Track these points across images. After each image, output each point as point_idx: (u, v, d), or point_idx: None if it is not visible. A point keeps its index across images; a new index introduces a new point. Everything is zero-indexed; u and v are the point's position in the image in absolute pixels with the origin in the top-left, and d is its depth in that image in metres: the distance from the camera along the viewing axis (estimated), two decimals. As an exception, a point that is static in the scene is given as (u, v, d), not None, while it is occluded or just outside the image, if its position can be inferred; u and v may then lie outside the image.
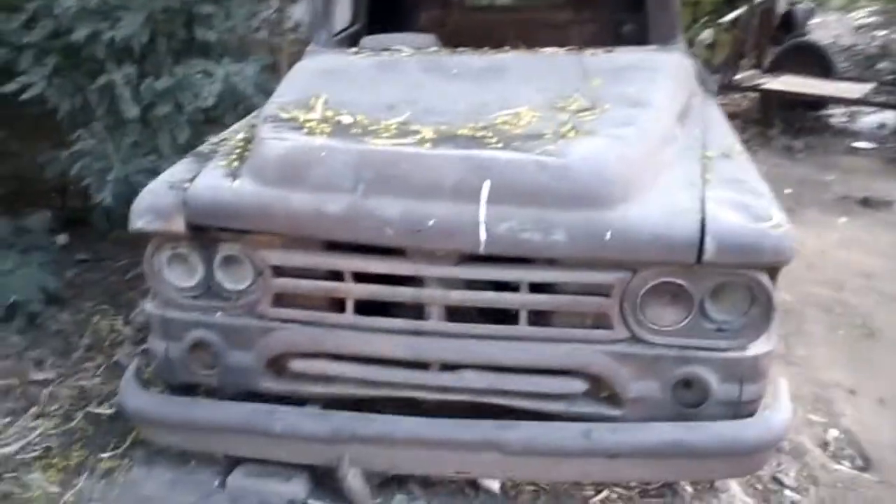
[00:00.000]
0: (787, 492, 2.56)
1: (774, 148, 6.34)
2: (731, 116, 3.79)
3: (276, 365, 2.34)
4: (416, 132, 2.32)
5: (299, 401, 2.37)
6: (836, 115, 7.30)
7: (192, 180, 2.31)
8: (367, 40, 3.37)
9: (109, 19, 3.38)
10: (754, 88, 6.85)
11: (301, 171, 2.17)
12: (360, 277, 2.20)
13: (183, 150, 3.72)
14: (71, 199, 4.46)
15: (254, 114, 3.10)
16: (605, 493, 2.47)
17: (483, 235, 2.03)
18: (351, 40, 3.54)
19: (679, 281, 2.07)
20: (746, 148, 2.67)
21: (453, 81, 2.77)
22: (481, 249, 2.04)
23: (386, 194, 2.10)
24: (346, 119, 2.45)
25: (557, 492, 2.47)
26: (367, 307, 2.25)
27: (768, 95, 6.73)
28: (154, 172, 3.57)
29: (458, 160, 2.11)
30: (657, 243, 2.01)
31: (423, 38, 3.35)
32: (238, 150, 2.47)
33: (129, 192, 3.56)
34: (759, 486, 2.56)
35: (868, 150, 6.38)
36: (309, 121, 2.46)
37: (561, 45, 3.23)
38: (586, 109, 2.45)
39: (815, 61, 7.11)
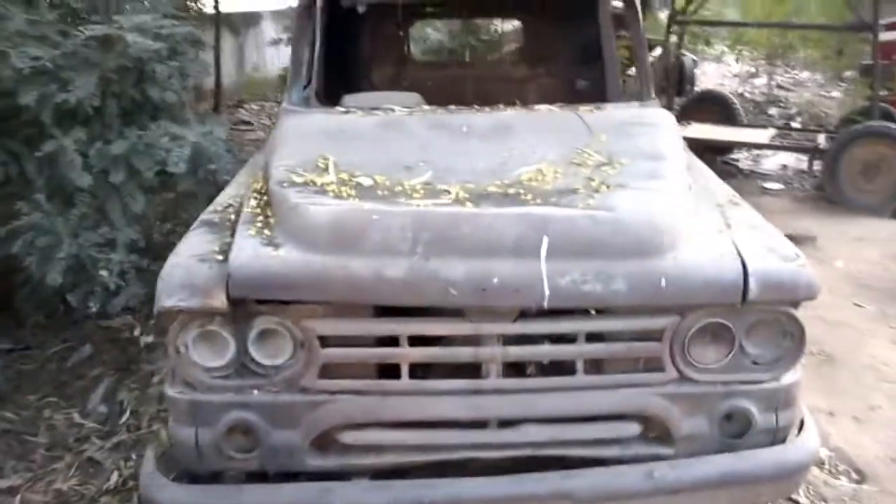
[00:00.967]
0: (803, 510, 2.73)
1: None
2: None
3: (321, 441, 2.23)
4: (446, 192, 2.32)
5: (341, 476, 2.27)
6: (742, 159, 7.94)
7: (221, 253, 2.19)
8: (349, 99, 3.34)
9: (58, 81, 3.15)
10: None
11: (355, 236, 2.11)
12: (414, 341, 2.16)
13: (137, 221, 3.53)
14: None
15: (239, 179, 2.96)
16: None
17: (547, 290, 2.05)
18: (309, 100, 3.49)
19: (723, 321, 2.19)
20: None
21: (463, 140, 2.79)
22: (545, 304, 2.06)
23: (447, 255, 2.08)
24: (366, 181, 2.41)
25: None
26: (415, 371, 2.20)
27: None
28: (109, 246, 3.37)
29: (515, 218, 2.14)
30: (708, 288, 2.12)
31: (408, 96, 3.37)
32: (261, 218, 2.36)
33: (78, 271, 3.32)
34: (778, 509, 2.71)
35: (778, 191, 6.97)
36: (327, 184, 2.40)
37: (518, 100, 3.35)
38: (605, 164, 2.56)
39: (721, 110, 7.71)
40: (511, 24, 5.61)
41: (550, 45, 4.39)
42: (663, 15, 9.37)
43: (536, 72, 4.35)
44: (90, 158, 3.28)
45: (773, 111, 9.82)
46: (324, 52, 3.45)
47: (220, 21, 7.84)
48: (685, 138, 2.88)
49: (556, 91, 4.00)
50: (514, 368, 2.23)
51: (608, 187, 2.36)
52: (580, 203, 2.23)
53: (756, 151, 7.87)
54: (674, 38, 7.56)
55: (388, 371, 2.20)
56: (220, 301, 2.06)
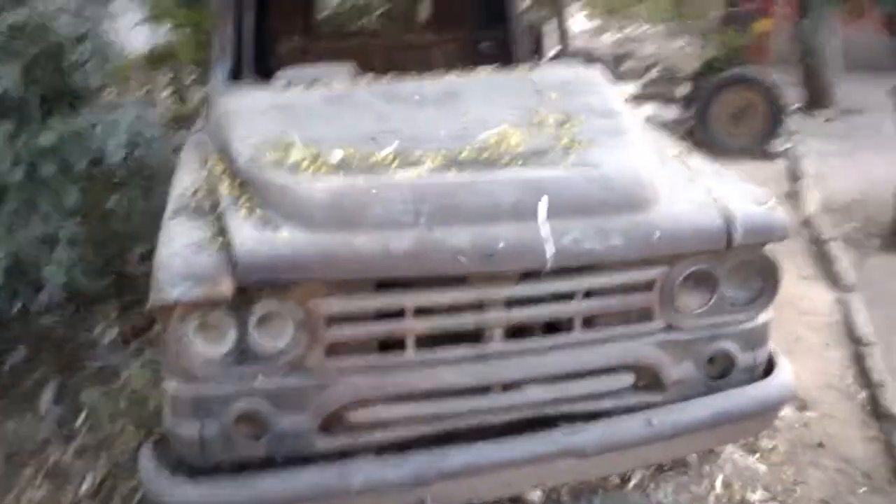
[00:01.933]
0: (763, 441, 2.92)
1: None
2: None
3: (327, 421, 2.21)
4: (421, 161, 2.33)
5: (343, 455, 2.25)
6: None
7: (215, 239, 2.11)
8: (283, 73, 3.24)
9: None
10: None
11: (357, 212, 2.09)
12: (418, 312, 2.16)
13: (73, 214, 3.32)
14: None
15: (189, 163, 2.82)
16: (635, 480, 2.65)
17: (550, 250, 2.10)
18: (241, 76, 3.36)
19: (706, 267, 2.30)
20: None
21: (418, 108, 2.78)
22: (549, 265, 2.11)
23: (451, 224, 2.09)
24: (336, 155, 2.38)
25: (592, 486, 2.61)
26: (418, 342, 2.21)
27: None
28: (49, 243, 3.15)
29: (511, 182, 2.17)
30: (696, 236, 2.23)
31: (341, 67, 3.29)
32: (243, 200, 2.28)
33: (17, 271, 3.12)
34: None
35: None
36: (299, 161, 2.36)
37: (425, 66, 3.35)
38: (566, 122, 2.61)
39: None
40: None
41: (459, 8, 4.39)
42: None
43: (442, 37, 4.35)
44: (18, 151, 3.04)
45: (628, 64, 10.08)
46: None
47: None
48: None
49: (462, 55, 4.03)
50: (512, 332, 2.27)
51: (579, 144, 2.42)
52: (561, 162, 2.28)
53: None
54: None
55: (386, 346, 2.20)
56: (226, 288, 2.00)
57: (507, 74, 3.16)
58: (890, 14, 3.75)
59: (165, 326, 2.09)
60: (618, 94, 2.99)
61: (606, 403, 2.35)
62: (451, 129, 2.56)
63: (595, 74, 3.15)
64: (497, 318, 2.19)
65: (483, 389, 2.25)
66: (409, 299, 2.13)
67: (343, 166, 2.33)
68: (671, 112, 7.49)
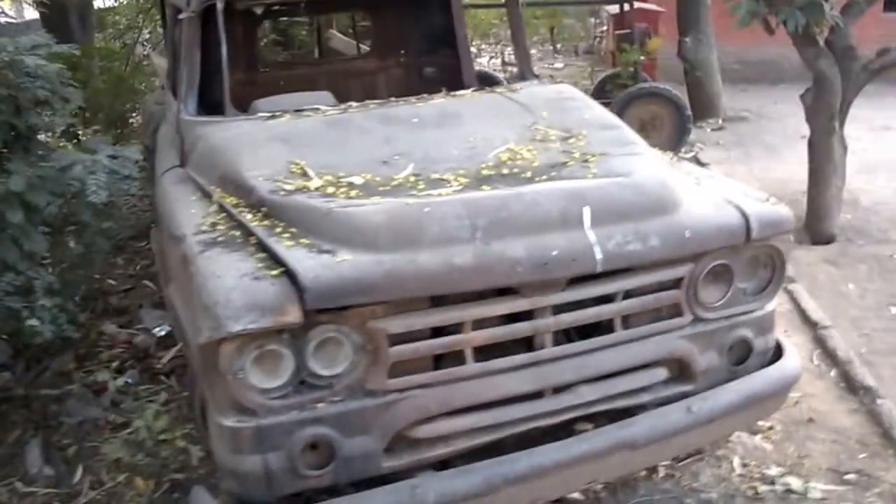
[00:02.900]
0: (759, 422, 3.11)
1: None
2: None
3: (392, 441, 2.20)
4: (444, 181, 2.40)
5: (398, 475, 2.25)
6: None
7: (270, 269, 2.07)
8: (259, 104, 3.21)
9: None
10: None
11: (415, 231, 2.12)
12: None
13: (40, 262, 3.13)
14: None
15: (186, 197, 2.72)
16: (662, 472, 2.77)
17: (599, 255, 2.20)
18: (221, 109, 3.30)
19: (725, 261, 2.47)
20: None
21: (420, 130, 2.83)
22: (598, 268, 2.21)
23: (504, 237, 2.15)
24: (357, 180, 2.42)
25: (624, 480, 2.71)
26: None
27: None
28: (24, 294, 2.95)
29: (554, 193, 2.26)
30: (720, 233, 2.39)
31: (318, 95, 3.30)
32: (282, 230, 2.25)
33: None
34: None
35: None
36: (320, 187, 2.38)
37: (371, 93, 3.40)
38: (569, 137, 2.74)
39: None
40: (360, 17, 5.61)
41: (403, 35, 4.48)
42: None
43: (387, 63, 4.43)
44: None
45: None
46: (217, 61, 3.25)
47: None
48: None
49: (407, 80, 4.14)
50: (559, 337, 2.35)
51: (594, 156, 2.55)
52: (587, 173, 2.40)
53: None
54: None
55: (441, 361, 2.23)
56: (294, 316, 1.97)
57: (490, 96, 3.27)
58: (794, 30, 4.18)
59: (214, 362, 2.04)
60: (603, 108, 3.14)
61: (645, 397, 2.47)
62: (460, 150, 2.63)
63: (575, 92, 3.31)
64: (547, 323, 2.26)
65: (537, 394, 2.32)
66: (468, 313, 2.17)
67: (368, 190, 2.36)
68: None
